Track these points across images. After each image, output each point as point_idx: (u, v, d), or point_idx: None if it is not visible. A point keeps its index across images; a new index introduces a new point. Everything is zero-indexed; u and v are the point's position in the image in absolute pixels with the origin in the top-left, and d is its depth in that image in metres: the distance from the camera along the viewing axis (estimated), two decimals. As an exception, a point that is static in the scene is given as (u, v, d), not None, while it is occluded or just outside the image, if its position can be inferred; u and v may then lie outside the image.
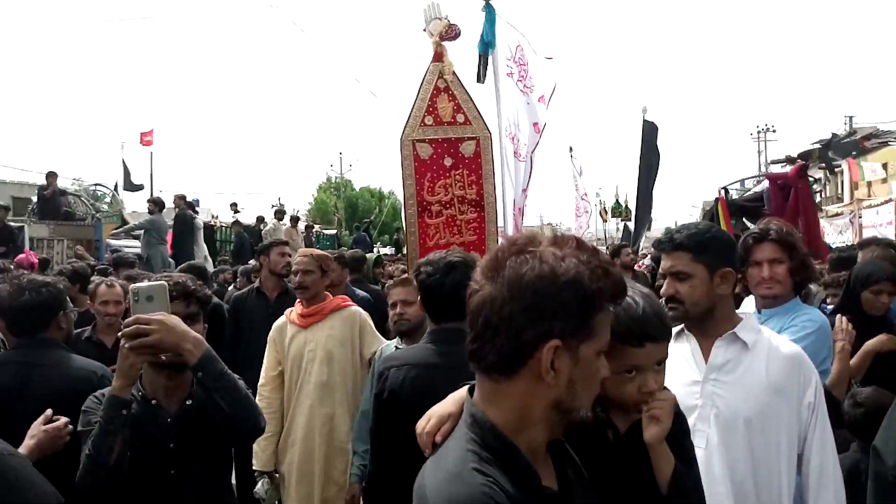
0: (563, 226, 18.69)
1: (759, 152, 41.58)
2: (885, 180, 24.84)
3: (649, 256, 9.00)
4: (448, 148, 5.67)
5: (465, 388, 1.33)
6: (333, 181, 44.25)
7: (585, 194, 17.26)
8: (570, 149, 20.72)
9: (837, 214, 17.33)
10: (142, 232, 11.77)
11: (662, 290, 2.09)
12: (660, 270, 2.21)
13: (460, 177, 5.68)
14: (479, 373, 1.24)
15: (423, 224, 5.77)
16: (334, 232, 26.05)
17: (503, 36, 6.61)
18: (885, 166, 26.14)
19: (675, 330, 1.95)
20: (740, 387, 1.99)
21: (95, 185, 25.30)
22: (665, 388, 1.53)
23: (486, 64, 6.29)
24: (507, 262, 1.18)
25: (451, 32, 5.51)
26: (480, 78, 6.24)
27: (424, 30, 5.61)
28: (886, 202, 16.18)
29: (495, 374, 1.20)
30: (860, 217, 15.37)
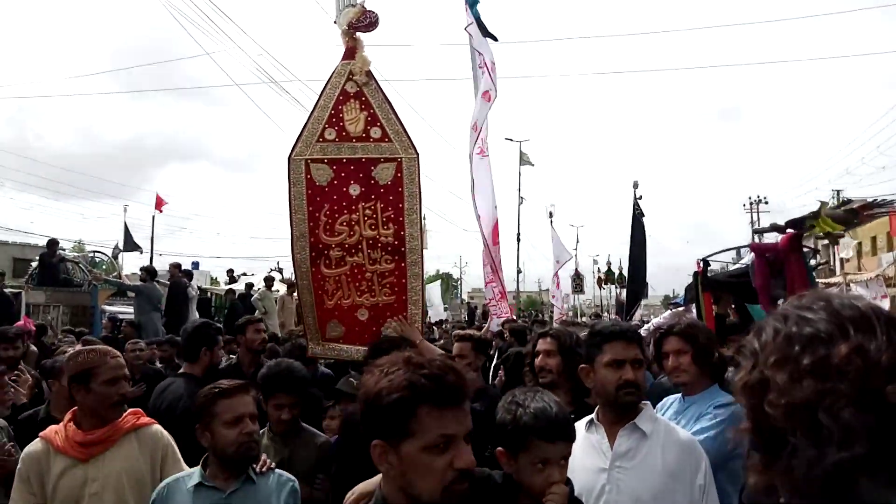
0: (562, 292, 17.19)
1: (751, 223, 40.63)
2: (874, 253, 23.26)
3: (648, 325, 7.37)
4: (355, 172, 3.96)
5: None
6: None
7: (558, 261, 15.59)
8: (550, 214, 18.98)
9: (829, 286, 15.88)
10: (134, 296, 11.83)
11: (624, 376, 2.21)
12: (612, 357, 2.24)
13: (372, 211, 3.94)
14: None
15: (318, 275, 4.01)
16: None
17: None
18: (874, 239, 24.57)
19: (585, 420, 2.29)
20: (640, 472, 2.13)
21: (94, 251, 25.91)
22: (565, 481, 1.77)
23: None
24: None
25: (364, 20, 3.91)
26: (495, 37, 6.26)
27: (335, 21, 4.01)
28: (876, 277, 14.99)
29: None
30: (850, 291, 14.06)
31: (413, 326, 3.85)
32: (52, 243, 14.51)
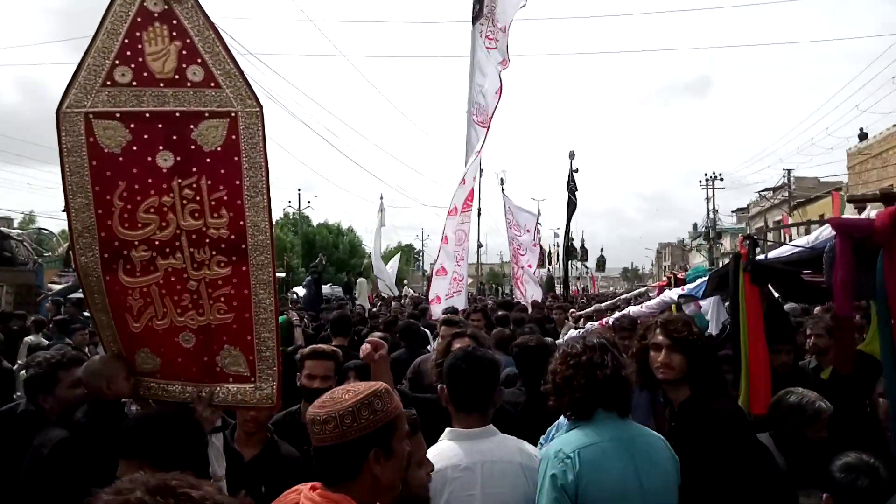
0: (524, 261, 14.82)
1: (706, 199, 41.22)
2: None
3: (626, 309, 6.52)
4: (166, 132, 2.56)
5: None
6: (291, 217, 40.58)
7: (517, 235, 13.64)
8: (502, 181, 17.68)
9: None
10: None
11: None
12: None
13: (194, 191, 2.57)
14: None
15: (115, 286, 2.63)
16: (283, 275, 23.22)
17: None
18: (821, 217, 23.90)
19: None
20: None
21: (39, 229, 24.93)
22: None
23: None
24: None
25: None
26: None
27: None
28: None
29: None
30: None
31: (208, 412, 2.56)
32: (-6, 221, 13.87)
